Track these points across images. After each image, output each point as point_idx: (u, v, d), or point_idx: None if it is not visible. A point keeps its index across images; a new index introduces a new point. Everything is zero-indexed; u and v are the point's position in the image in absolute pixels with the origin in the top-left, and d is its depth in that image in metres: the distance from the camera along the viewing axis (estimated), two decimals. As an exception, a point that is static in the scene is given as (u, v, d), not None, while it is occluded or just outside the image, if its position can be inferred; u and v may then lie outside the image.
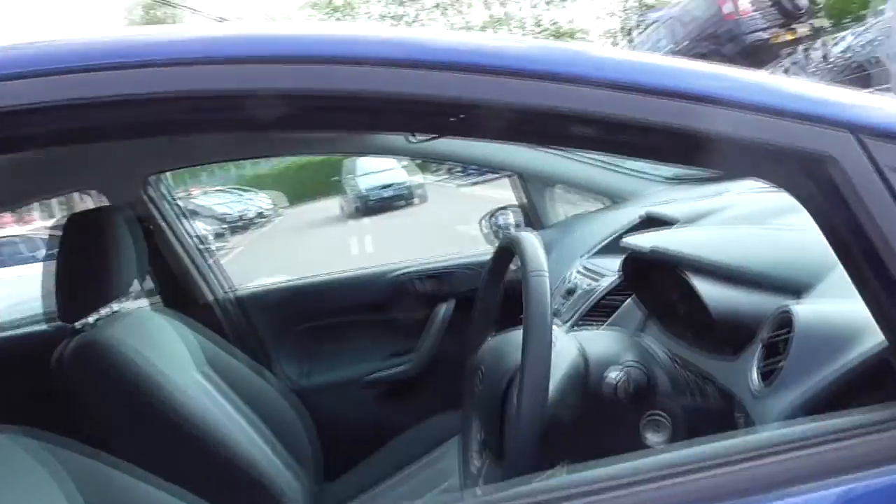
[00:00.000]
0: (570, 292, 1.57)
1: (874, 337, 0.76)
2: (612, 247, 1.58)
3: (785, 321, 0.86)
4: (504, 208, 2.40)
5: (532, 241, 1.03)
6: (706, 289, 0.97)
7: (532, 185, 2.19)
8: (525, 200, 2.22)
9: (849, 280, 0.90)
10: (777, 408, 0.80)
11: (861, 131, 0.68)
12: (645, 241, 1.10)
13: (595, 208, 2.24)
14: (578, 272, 1.57)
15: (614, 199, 2.14)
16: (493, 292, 1.26)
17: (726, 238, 1.07)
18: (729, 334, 0.95)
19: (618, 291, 1.36)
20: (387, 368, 2.17)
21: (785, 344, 0.83)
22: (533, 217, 2.22)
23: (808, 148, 0.68)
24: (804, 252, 0.99)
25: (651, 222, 1.49)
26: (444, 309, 2.18)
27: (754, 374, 0.88)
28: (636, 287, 1.25)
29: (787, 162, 0.71)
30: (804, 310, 0.83)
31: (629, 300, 1.30)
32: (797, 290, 0.94)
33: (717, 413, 0.95)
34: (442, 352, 2.16)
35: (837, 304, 0.84)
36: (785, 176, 0.73)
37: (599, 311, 1.37)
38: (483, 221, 2.42)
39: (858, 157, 0.67)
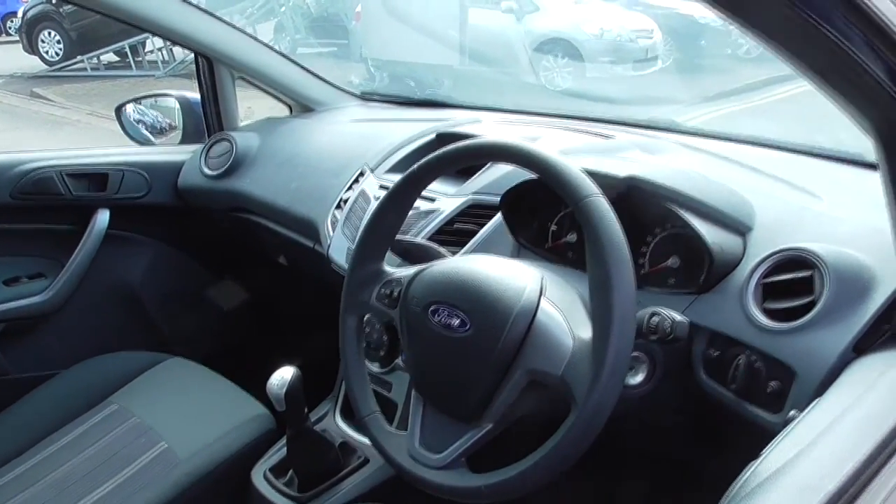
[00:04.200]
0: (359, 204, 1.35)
1: (887, 279, 0.85)
2: (404, 164, 1.40)
3: (793, 260, 0.89)
4: (162, 96, 1.90)
5: (556, 155, 0.84)
6: (699, 224, 0.94)
7: (221, 72, 1.77)
8: (208, 90, 1.79)
9: (779, 222, 0.99)
10: (820, 346, 0.82)
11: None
12: (608, 168, 1.00)
13: (280, 111, 1.95)
14: (381, 187, 1.35)
15: (300, 104, 1.90)
16: (398, 213, 0.99)
17: (680, 173, 1.04)
18: (709, 272, 0.94)
19: (467, 215, 1.22)
20: (12, 300, 1.53)
21: (807, 283, 0.86)
22: (215, 111, 1.81)
23: None
24: (734, 192, 1.04)
25: (443, 142, 1.36)
26: (99, 219, 1.63)
27: (756, 312, 0.89)
28: (513, 214, 1.14)
29: None
30: (823, 251, 0.87)
31: (489, 226, 1.17)
32: (743, 227, 0.98)
33: (689, 348, 0.94)
34: (96, 277, 1.62)
35: (823, 237, 0.91)
36: None
37: (446, 234, 1.20)
38: (128, 109, 1.87)
39: None
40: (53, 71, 9.84)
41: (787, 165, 1.18)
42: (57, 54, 9.96)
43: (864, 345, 0.82)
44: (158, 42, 9.39)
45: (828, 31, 0.61)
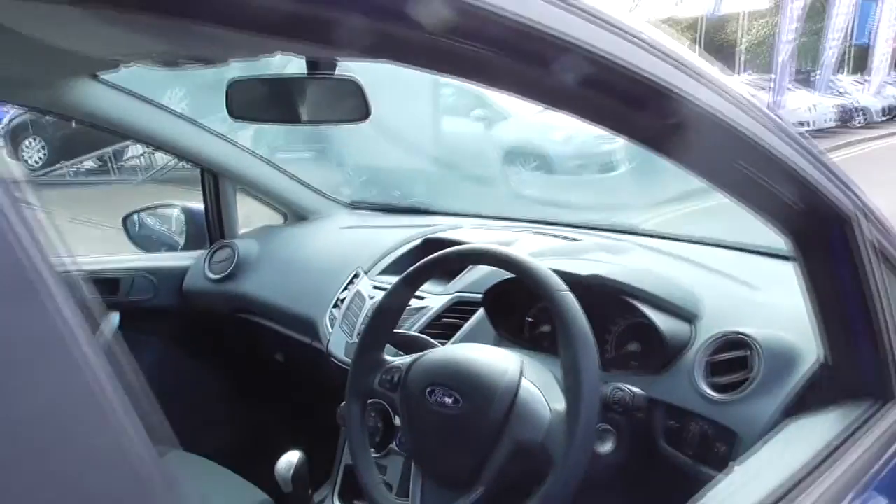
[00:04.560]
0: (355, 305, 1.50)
1: (810, 354, 1.01)
2: (394, 267, 1.57)
3: (732, 342, 1.06)
4: (166, 206, 2.07)
5: (530, 258, 1.01)
6: (654, 315, 1.11)
7: (225, 185, 1.95)
8: (212, 200, 1.96)
9: (722, 311, 1.16)
10: (757, 412, 0.98)
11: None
12: (575, 268, 1.17)
13: (274, 219, 2.12)
14: (375, 287, 1.51)
15: (295, 213, 2.08)
16: (396, 310, 1.15)
17: (637, 271, 1.22)
18: (663, 354, 1.10)
19: (453, 311, 1.38)
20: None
21: (743, 361, 1.03)
22: (217, 220, 1.98)
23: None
24: (682, 286, 1.21)
25: (429, 247, 1.54)
26: (111, 321, 1.75)
27: (705, 387, 1.05)
28: (493, 310, 1.30)
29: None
30: (758, 334, 1.04)
31: (473, 320, 1.33)
32: (692, 316, 1.15)
33: (654, 415, 1.08)
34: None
35: (759, 321, 1.08)
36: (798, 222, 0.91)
37: (435, 328, 1.36)
38: (135, 218, 2.04)
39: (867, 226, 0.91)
40: (35, 177, 10.01)
41: (729, 261, 1.37)
42: (38, 161, 10.18)
43: (791, 410, 0.98)
44: (139, 148, 9.66)
45: (744, 168, 0.80)
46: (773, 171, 0.82)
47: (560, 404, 0.95)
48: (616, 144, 8.26)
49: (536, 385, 0.99)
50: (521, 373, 1.00)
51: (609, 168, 8.08)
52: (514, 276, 1.15)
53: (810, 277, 0.94)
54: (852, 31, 20.23)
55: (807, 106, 14.89)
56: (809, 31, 14.35)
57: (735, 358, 1.04)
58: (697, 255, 1.39)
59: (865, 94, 18.56)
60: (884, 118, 18.72)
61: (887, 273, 0.94)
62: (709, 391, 1.04)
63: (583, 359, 0.91)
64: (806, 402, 0.99)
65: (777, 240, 1.42)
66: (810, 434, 0.87)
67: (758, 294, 1.20)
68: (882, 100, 18.96)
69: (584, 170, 8.01)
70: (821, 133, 14.99)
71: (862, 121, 17.77)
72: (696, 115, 0.70)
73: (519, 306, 1.30)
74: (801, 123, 14.06)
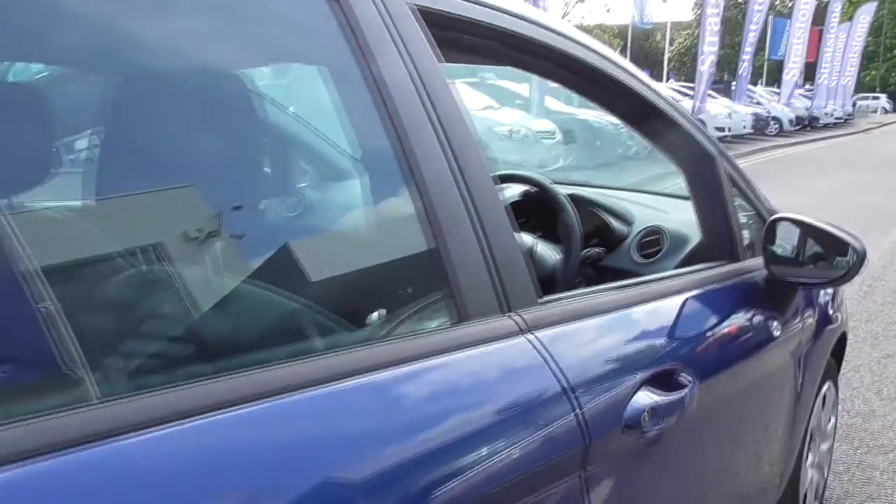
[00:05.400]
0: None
1: (694, 238, 1.80)
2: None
3: (653, 231, 1.83)
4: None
5: (549, 182, 1.77)
6: (609, 218, 1.88)
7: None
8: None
9: (647, 218, 1.95)
10: (664, 267, 1.76)
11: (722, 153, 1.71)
12: (562, 190, 1.93)
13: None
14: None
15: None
16: None
17: (597, 194, 1.98)
18: (612, 242, 1.87)
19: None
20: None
21: (658, 241, 1.81)
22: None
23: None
24: (624, 206, 1.99)
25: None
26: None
27: (636, 256, 1.82)
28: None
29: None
30: (667, 226, 1.82)
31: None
32: (630, 221, 1.93)
33: (607, 275, 1.85)
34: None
35: (669, 223, 1.87)
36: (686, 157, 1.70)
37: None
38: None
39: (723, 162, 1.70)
40: None
41: (652, 200, 2.16)
42: None
43: (681, 265, 1.76)
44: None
45: (654, 122, 1.57)
46: (668, 124, 1.58)
47: (559, 256, 1.71)
48: (556, 139, 9.18)
49: (545, 247, 1.75)
50: (536, 241, 1.75)
51: (551, 160, 8.97)
52: (522, 198, 1.91)
53: (693, 194, 1.72)
54: (768, 46, 21.93)
55: (725, 113, 16.23)
56: (729, 44, 15.65)
57: (653, 239, 1.83)
58: (632, 197, 2.18)
59: (778, 104, 20.22)
60: (795, 127, 20.49)
61: (733, 190, 1.73)
62: (638, 258, 1.82)
63: (572, 229, 1.66)
64: (690, 262, 1.77)
65: (681, 189, 2.23)
66: (688, 272, 1.64)
67: (668, 214, 1.99)
68: (793, 111, 20.73)
69: (526, 161, 8.86)
70: (738, 139, 16.40)
71: (775, 130, 19.41)
72: (629, 93, 1.46)
73: (524, 217, 2.05)
74: (720, 129, 15.42)
